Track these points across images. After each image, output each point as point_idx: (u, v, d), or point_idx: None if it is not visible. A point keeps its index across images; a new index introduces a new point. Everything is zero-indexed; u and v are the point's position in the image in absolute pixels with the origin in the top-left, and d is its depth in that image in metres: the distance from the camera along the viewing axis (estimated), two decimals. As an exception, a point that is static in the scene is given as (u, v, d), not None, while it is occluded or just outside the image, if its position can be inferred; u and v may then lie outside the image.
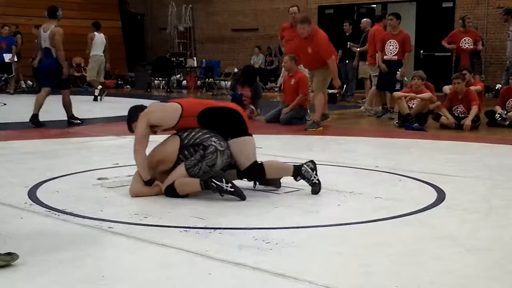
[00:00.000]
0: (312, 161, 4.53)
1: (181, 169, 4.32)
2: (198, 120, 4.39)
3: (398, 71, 10.10)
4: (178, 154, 4.34)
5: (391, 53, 10.27)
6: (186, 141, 4.34)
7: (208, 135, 4.34)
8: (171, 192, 4.30)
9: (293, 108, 9.39)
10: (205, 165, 4.29)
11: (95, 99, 14.80)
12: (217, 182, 4.20)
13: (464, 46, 11.49)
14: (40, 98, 9.00)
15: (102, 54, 15.01)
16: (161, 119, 4.43)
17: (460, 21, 11.84)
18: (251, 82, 10.24)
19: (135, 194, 4.37)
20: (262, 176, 4.47)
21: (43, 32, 9.31)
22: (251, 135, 4.49)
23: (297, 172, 4.46)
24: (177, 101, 4.57)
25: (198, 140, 4.32)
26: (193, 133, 4.36)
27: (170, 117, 4.41)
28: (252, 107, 10.32)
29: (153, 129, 4.46)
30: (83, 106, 13.53)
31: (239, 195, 4.23)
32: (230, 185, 4.22)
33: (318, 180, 4.48)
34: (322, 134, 8.38)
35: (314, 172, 4.49)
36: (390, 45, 10.28)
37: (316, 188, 4.47)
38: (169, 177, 4.35)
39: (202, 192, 4.31)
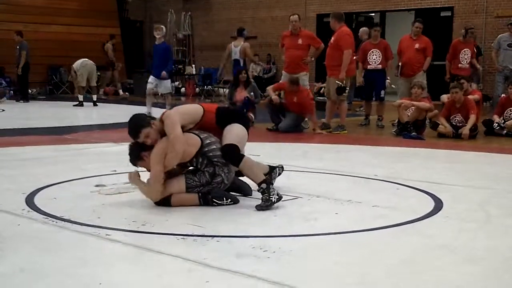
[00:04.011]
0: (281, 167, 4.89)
1: (180, 185, 4.31)
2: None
3: (388, 78, 10.31)
4: (193, 156, 4.32)
5: (375, 62, 10.41)
6: (206, 149, 4.34)
7: (224, 160, 4.36)
8: (165, 203, 4.29)
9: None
10: (206, 189, 4.34)
11: (95, 104, 14.84)
12: (219, 202, 4.31)
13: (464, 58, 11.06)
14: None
15: (89, 60, 15.11)
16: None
17: (463, 31, 11.32)
18: (245, 83, 10.19)
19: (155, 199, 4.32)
20: (235, 160, 4.35)
21: (234, 47, 11.67)
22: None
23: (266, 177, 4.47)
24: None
25: (216, 159, 4.34)
26: (213, 147, 4.36)
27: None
28: (251, 115, 10.31)
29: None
30: (81, 112, 13.58)
31: (234, 201, 4.39)
32: (229, 200, 4.35)
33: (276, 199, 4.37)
34: (319, 142, 8.40)
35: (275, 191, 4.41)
36: (373, 55, 10.40)
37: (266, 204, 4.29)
38: (165, 189, 4.30)
39: (200, 199, 4.35)
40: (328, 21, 9.85)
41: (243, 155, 4.40)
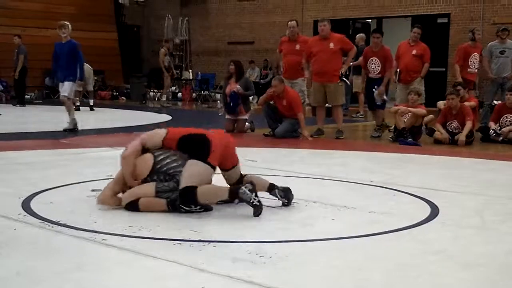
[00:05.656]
0: (251, 183, 4.26)
1: (150, 188, 4.28)
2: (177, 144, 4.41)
3: (375, 88, 9.81)
4: (147, 175, 4.31)
5: (374, 72, 9.89)
6: (159, 166, 4.31)
7: (180, 169, 4.27)
8: (133, 207, 4.27)
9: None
10: (174, 195, 4.26)
11: (92, 109, 14.86)
12: (186, 208, 4.22)
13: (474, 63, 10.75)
14: None
15: (86, 65, 15.05)
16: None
17: (470, 34, 11.00)
18: (237, 75, 10.06)
19: (101, 202, 4.43)
20: (193, 202, 4.21)
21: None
22: (211, 165, 4.29)
23: (235, 195, 4.19)
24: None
25: (172, 170, 4.29)
26: (167, 161, 4.32)
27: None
28: (247, 122, 10.26)
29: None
30: (77, 117, 13.55)
31: (206, 209, 4.29)
32: (199, 207, 4.25)
33: (258, 201, 4.15)
34: (316, 147, 8.40)
35: (253, 194, 4.15)
36: (372, 63, 9.89)
37: (257, 210, 4.16)
38: (133, 192, 4.31)
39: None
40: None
41: (194, 189, 4.13)
